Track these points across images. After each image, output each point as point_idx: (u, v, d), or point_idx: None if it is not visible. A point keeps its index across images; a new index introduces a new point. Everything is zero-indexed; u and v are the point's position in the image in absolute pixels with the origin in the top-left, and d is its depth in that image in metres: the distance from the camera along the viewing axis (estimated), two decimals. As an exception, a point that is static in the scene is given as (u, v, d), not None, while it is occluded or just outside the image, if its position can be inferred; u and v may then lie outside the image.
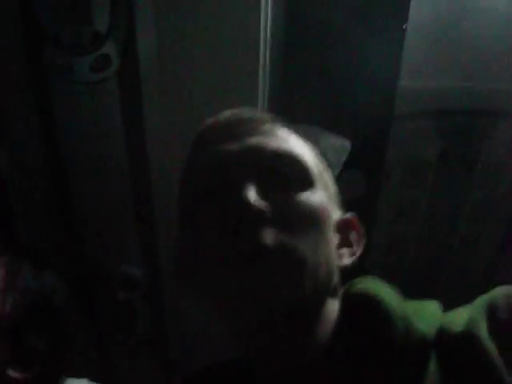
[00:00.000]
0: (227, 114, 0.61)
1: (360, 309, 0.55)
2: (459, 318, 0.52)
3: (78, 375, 0.94)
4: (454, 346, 0.50)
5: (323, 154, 1.23)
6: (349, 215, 0.63)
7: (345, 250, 0.61)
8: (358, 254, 0.62)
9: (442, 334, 0.52)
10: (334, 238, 0.58)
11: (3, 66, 1.01)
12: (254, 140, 0.56)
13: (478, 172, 1.80)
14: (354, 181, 1.42)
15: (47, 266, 0.89)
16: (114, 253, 1.17)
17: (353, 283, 0.60)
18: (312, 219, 0.54)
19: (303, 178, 0.56)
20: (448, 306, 0.58)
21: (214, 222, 0.53)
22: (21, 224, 1.15)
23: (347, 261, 0.60)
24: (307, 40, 1.35)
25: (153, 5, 0.98)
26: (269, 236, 0.49)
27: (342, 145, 1.25)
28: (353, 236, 0.63)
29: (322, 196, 0.57)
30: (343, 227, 0.61)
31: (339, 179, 1.27)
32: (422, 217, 1.83)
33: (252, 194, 0.51)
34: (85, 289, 1.22)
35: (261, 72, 1.01)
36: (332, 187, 0.63)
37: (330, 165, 1.24)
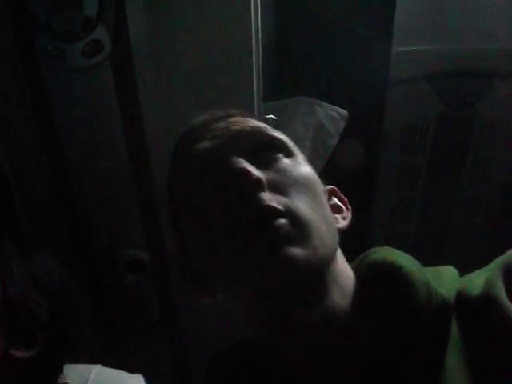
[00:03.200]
0: (203, 116, 0.64)
1: (380, 277, 0.55)
2: (477, 280, 0.53)
3: (90, 362, 0.95)
4: (473, 308, 0.51)
5: (321, 124, 1.23)
6: (329, 187, 0.65)
7: (337, 215, 0.63)
8: (349, 218, 0.64)
9: (462, 297, 0.53)
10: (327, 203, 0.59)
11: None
12: (232, 128, 0.59)
13: (477, 133, 1.81)
14: (353, 150, 1.42)
15: (42, 249, 0.89)
16: (119, 238, 1.18)
17: (367, 253, 0.60)
18: (305, 183, 0.56)
19: (284, 148, 0.59)
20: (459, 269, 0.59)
21: (214, 207, 0.54)
22: (22, 211, 1.16)
23: (342, 224, 0.62)
24: (299, 7, 1.34)
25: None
26: (271, 198, 0.51)
27: (339, 114, 1.25)
28: (338, 203, 0.66)
29: (306, 165, 0.59)
30: (329, 195, 0.64)
31: (338, 149, 1.27)
32: (422, 181, 1.83)
33: (246, 165, 0.52)
34: (91, 275, 1.23)
35: (254, 48, 1.00)
36: (309, 164, 0.64)
37: (328, 135, 1.24)
